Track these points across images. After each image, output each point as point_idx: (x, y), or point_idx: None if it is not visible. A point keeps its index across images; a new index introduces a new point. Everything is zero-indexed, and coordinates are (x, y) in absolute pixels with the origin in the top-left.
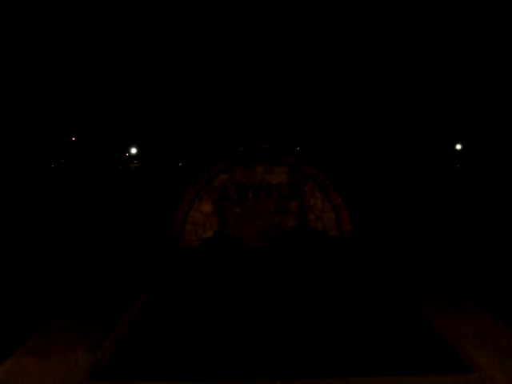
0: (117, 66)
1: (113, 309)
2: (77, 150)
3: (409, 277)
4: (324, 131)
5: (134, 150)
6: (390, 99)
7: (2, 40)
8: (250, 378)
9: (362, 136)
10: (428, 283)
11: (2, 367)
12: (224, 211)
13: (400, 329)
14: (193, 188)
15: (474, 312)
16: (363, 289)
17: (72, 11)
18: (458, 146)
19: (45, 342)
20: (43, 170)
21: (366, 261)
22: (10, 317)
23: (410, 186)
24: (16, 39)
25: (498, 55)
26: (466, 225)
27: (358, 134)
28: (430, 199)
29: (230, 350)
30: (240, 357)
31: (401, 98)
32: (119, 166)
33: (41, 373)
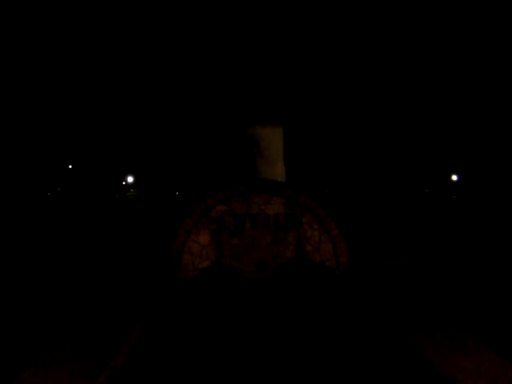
0: (113, 92)
1: (109, 340)
2: (73, 178)
3: (406, 308)
4: (320, 161)
5: (130, 179)
6: (387, 130)
7: None
8: None
9: (359, 167)
10: (425, 315)
11: None
12: (221, 242)
13: (397, 361)
14: (190, 218)
15: (471, 345)
16: (360, 321)
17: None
18: (454, 177)
19: (40, 375)
20: (39, 199)
21: (363, 293)
22: (4, 350)
23: (406, 217)
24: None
25: (491, 87)
26: (463, 256)
27: (355, 164)
28: (427, 230)
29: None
30: None
31: (398, 128)
32: (116, 194)
33: None
